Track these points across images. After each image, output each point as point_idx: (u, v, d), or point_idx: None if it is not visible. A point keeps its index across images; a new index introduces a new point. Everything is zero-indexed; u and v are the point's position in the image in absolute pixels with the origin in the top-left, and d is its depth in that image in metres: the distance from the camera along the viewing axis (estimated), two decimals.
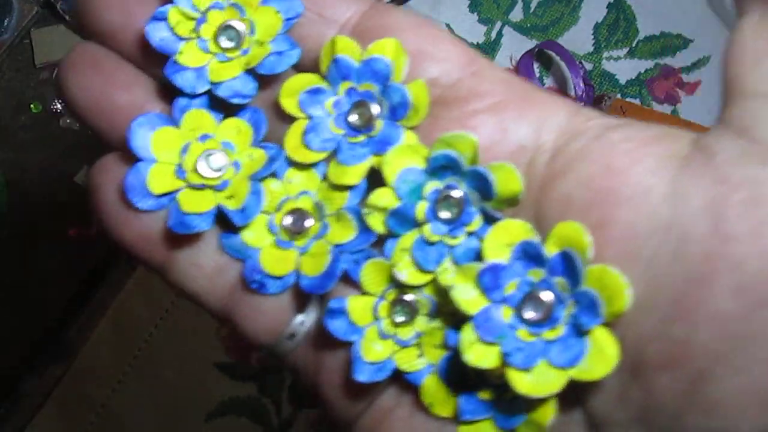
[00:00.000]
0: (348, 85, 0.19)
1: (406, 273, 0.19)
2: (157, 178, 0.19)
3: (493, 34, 0.53)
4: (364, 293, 0.20)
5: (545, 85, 0.52)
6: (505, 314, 0.18)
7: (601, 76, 0.52)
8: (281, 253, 0.20)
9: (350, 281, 0.20)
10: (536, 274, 0.18)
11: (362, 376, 0.19)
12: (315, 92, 0.20)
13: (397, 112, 0.19)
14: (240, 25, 0.19)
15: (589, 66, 0.52)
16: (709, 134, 0.19)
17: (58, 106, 0.51)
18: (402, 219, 0.19)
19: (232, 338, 0.50)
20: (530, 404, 0.18)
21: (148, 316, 0.50)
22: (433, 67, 0.20)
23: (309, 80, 0.20)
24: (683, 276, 0.17)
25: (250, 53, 0.19)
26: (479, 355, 0.17)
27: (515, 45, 0.52)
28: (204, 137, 0.20)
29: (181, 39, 0.19)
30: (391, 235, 0.19)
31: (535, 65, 0.52)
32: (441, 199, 0.19)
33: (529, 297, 0.17)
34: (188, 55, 0.19)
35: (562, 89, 0.52)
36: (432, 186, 0.19)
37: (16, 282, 0.50)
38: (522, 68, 0.52)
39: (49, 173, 0.51)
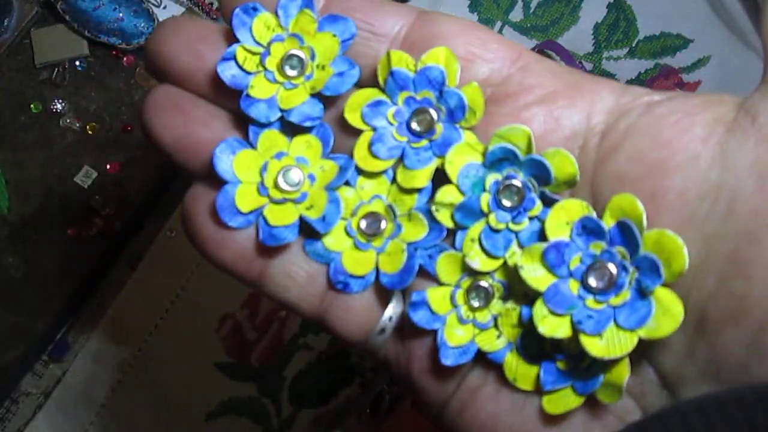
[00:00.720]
0: (406, 94, 0.21)
1: (478, 261, 0.21)
2: (244, 197, 0.21)
3: None
4: (440, 284, 0.22)
5: None
6: (572, 287, 0.19)
7: (601, 76, 0.52)
8: (360, 255, 0.22)
9: (427, 275, 0.22)
10: (597, 246, 0.19)
11: (448, 360, 0.21)
12: (376, 105, 0.22)
13: (455, 114, 0.21)
14: (301, 53, 0.22)
15: (589, 66, 0.52)
16: (753, 96, 0.21)
17: (58, 106, 0.51)
18: (468, 212, 0.21)
19: (232, 338, 0.50)
20: (605, 367, 0.20)
21: (148, 315, 0.50)
22: (483, 68, 0.21)
23: (370, 94, 0.22)
24: (735, 234, 0.18)
25: (314, 78, 0.22)
26: (553, 327, 0.19)
27: None
28: (279, 155, 0.22)
29: (250, 73, 0.22)
30: (460, 227, 0.21)
31: None
32: (502, 189, 0.21)
33: (593, 268, 0.19)
34: (258, 88, 0.21)
35: None
36: (492, 178, 0.21)
37: (16, 282, 0.50)
38: None
39: (49, 173, 0.51)
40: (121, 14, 0.50)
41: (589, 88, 0.21)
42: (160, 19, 0.52)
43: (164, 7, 0.52)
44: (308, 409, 0.50)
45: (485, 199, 0.21)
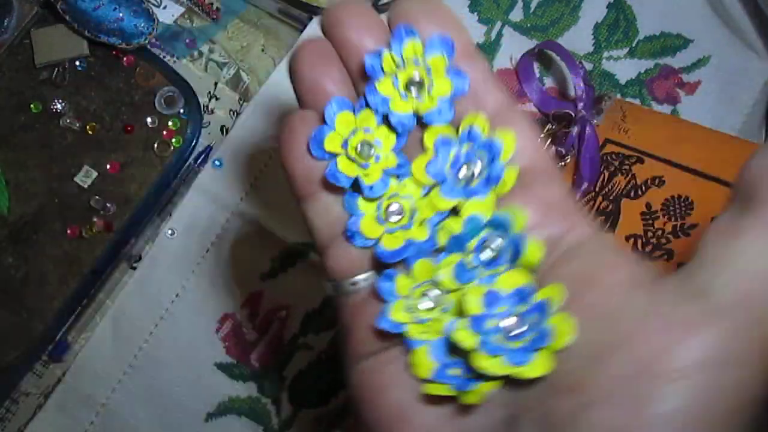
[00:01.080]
0: (470, 146, 0.28)
1: (444, 277, 0.27)
2: (330, 142, 0.28)
3: (493, 34, 0.53)
4: (411, 276, 0.28)
5: (545, 86, 0.52)
6: (490, 323, 0.26)
7: (601, 76, 0.52)
8: (374, 225, 0.28)
9: (406, 266, 0.28)
10: (522, 307, 0.26)
11: (382, 324, 0.27)
12: (448, 141, 0.28)
13: (491, 179, 0.28)
14: (421, 81, 0.28)
15: (589, 66, 0.52)
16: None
17: (58, 106, 0.51)
18: (458, 244, 0.27)
19: (232, 338, 0.50)
20: (482, 378, 0.26)
21: (148, 315, 0.50)
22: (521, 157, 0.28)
23: (449, 131, 0.28)
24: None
25: (422, 103, 0.28)
26: (464, 337, 0.26)
27: (515, 45, 0.52)
28: (367, 129, 0.28)
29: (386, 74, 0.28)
30: (447, 250, 0.28)
31: (535, 65, 0.52)
32: (486, 244, 0.27)
33: (512, 317, 0.26)
34: (384, 87, 0.28)
35: (562, 89, 0.53)
36: (486, 232, 0.27)
37: (16, 282, 0.50)
38: (522, 68, 0.52)
39: (49, 173, 0.51)
40: (121, 14, 0.50)
41: (573, 214, 0.28)
42: (161, 20, 0.52)
43: (164, 7, 0.52)
44: (308, 409, 0.50)
45: (473, 243, 0.28)
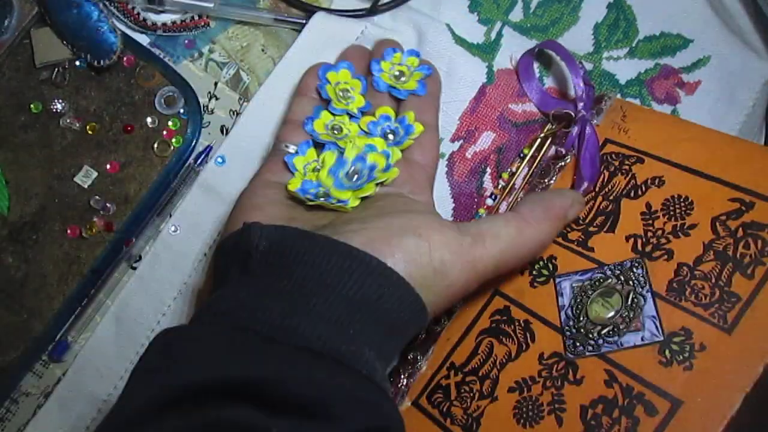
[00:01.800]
0: (398, 124, 0.47)
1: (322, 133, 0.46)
2: (330, 90, 0.47)
3: (493, 34, 0.53)
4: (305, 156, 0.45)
5: (545, 86, 0.52)
6: (341, 172, 0.44)
7: (601, 76, 0.52)
8: (323, 130, 0.46)
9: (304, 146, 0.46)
10: (359, 164, 0.44)
11: (288, 160, 0.45)
12: (387, 117, 0.47)
13: (402, 138, 0.46)
14: (402, 73, 0.49)
15: (589, 66, 0.52)
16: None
17: (58, 106, 0.51)
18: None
19: None
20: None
21: (150, 312, 0.50)
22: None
23: (391, 111, 0.48)
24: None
25: (406, 83, 0.48)
26: (351, 151, 0.45)
27: (515, 45, 0.52)
28: (345, 84, 0.48)
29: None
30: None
31: (535, 65, 0.52)
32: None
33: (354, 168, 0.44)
34: (383, 65, 0.49)
35: (562, 89, 0.53)
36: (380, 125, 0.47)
37: (16, 282, 0.50)
38: (522, 68, 0.52)
39: (49, 173, 0.51)
40: (89, 33, 0.50)
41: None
42: (158, 24, 0.52)
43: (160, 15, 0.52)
44: None
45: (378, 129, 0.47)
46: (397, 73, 0.48)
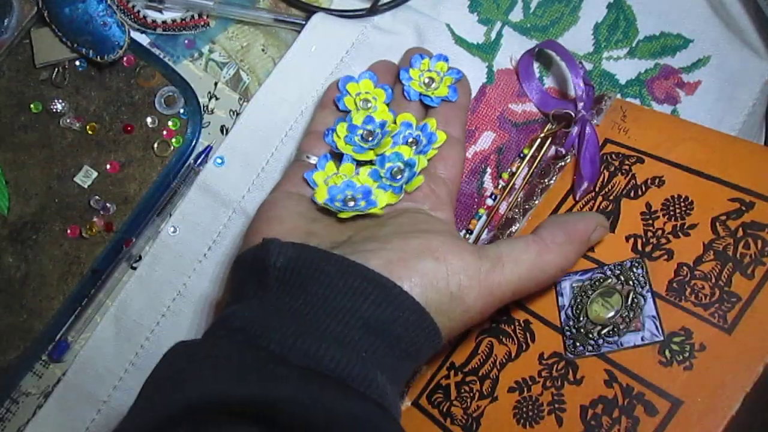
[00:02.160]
0: (419, 132, 0.46)
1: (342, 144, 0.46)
2: (349, 101, 0.47)
3: (493, 34, 0.53)
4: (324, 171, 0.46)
5: (545, 86, 0.52)
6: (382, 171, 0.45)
7: (601, 76, 0.52)
8: (343, 143, 0.46)
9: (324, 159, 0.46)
10: (398, 172, 0.44)
11: (307, 176, 0.45)
12: (408, 124, 0.46)
13: (424, 144, 0.46)
14: (432, 80, 0.49)
15: (589, 66, 0.52)
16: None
17: (58, 106, 0.51)
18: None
19: None
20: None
21: (149, 313, 0.50)
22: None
23: (413, 119, 0.47)
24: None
25: (437, 90, 0.48)
26: (365, 155, 0.45)
27: (515, 45, 0.52)
28: (367, 94, 0.47)
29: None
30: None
31: (535, 65, 0.52)
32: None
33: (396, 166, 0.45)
34: (412, 74, 0.49)
35: (562, 89, 0.53)
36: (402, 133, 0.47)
37: (16, 282, 0.50)
38: (522, 68, 0.52)
39: (49, 173, 0.51)
40: (94, 27, 0.50)
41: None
42: (158, 22, 0.52)
43: (162, 13, 0.52)
44: None
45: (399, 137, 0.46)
46: (427, 80, 0.47)
